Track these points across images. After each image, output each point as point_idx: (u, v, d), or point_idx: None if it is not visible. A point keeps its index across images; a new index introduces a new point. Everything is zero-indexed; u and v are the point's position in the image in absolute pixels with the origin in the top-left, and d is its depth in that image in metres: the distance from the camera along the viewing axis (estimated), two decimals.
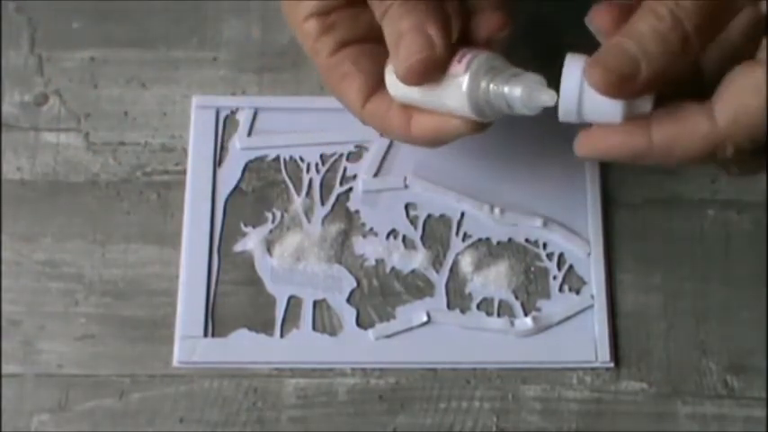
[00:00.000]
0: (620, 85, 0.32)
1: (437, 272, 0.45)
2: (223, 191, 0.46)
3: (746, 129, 0.32)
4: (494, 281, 0.45)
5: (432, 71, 0.35)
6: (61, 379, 0.43)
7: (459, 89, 0.35)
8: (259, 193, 0.46)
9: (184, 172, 0.46)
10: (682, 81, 0.34)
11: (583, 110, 0.33)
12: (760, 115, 0.31)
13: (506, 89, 0.35)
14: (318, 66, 0.39)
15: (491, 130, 0.47)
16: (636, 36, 0.32)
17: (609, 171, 0.46)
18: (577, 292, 0.45)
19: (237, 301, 0.44)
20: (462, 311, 0.44)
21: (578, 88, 0.33)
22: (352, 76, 0.38)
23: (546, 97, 0.34)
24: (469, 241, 0.45)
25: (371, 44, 0.38)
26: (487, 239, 0.45)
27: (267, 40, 0.48)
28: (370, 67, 0.38)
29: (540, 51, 0.48)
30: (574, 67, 0.33)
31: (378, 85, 0.38)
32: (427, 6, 0.35)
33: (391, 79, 0.37)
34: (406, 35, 0.35)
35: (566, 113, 0.34)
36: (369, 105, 0.38)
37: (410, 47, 0.35)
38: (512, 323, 0.44)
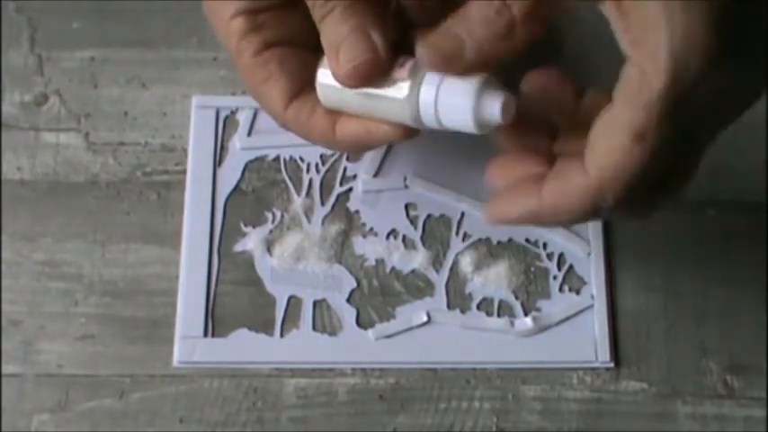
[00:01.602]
0: (445, 63, 0.33)
1: (437, 272, 0.45)
2: (223, 191, 0.46)
3: (615, 173, 0.31)
4: (494, 281, 0.45)
5: (373, 75, 0.35)
6: (61, 379, 0.43)
7: (399, 94, 0.35)
8: (259, 193, 0.46)
9: (184, 172, 0.46)
10: None
11: (439, 115, 0.34)
12: (624, 155, 0.31)
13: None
14: (241, 65, 0.38)
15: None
16: (464, 18, 0.33)
17: None
18: (577, 292, 0.45)
19: (237, 301, 0.44)
20: (462, 311, 0.44)
21: (435, 95, 0.34)
22: (276, 77, 0.38)
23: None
24: (469, 241, 0.45)
25: (297, 48, 0.38)
26: (487, 239, 0.45)
27: None
28: (294, 71, 0.38)
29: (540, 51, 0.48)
30: (434, 75, 0.34)
31: (301, 89, 0.38)
32: (369, 12, 0.35)
33: (323, 83, 0.37)
34: (347, 38, 0.35)
35: (428, 119, 0.35)
36: (291, 109, 0.38)
37: (352, 50, 0.35)
38: (512, 323, 0.44)
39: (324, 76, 0.37)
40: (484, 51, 0.32)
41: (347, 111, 0.37)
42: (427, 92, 0.34)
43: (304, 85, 0.38)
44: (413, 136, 0.37)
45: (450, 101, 0.34)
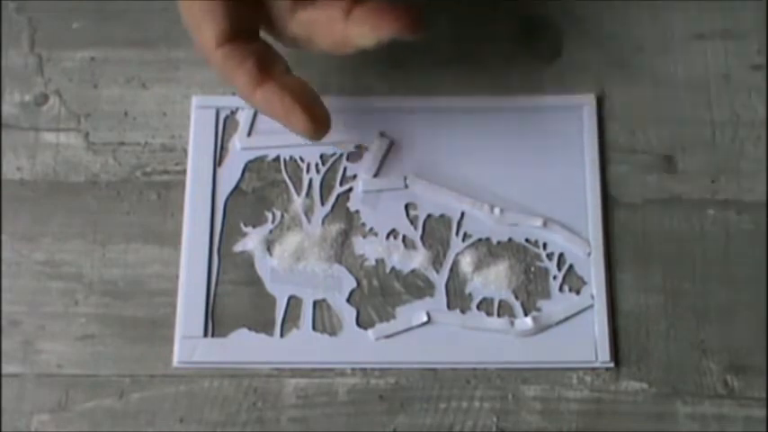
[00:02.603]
0: None
1: (437, 272, 0.45)
2: (223, 191, 0.46)
3: None
4: (494, 281, 0.45)
5: None
6: (61, 379, 0.43)
7: None
8: (259, 193, 0.46)
9: (184, 172, 0.46)
10: None
11: None
12: None
13: None
14: None
15: (491, 130, 0.47)
16: None
17: (609, 170, 0.46)
18: (577, 292, 0.45)
19: (237, 301, 0.44)
20: (462, 311, 0.44)
21: None
22: (216, 16, 0.40)
23: None
24: (469, 241, 0.45)
25: None
26: (487, 239, 0.45)
27: (267, 40, 0.48)
28: (235, 15, 0.40)
29: (539, 52, 0.49)
30: None
31: (237, 35, 0.40)
32: None
33: None
34: None
35: None
36: (221, 50, 0.40)
37: None
38: (512, 323, 0.44)
39: None
40: None
41: None
42: None
43: (241, 32, 0.40)
44: (321, 133, 0.41)
45: None
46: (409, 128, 0.47)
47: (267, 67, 0.41)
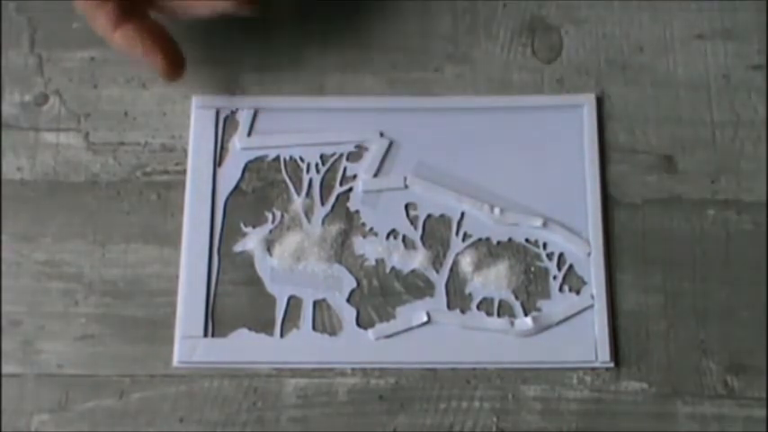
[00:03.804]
0: None
1: (437, 272, 0.45)
2: (223, 191, 0.46)
3: None
4: (494, 281, 0.45)
5: None
6: (61, 379, 0.43)
7: None
8: (259, 193, 0.46)
9: (184, 172, 0.46)
10: None
11: None
12: None
13: None
14: None
15: (490, 130, 0.47)
16: None
17: (609, 170, 0.46)
18: (577, 292, 0.45)
19: (237, 301, 0.44)
20: (462, 311, 0.44)
21: None
22: None
23: None
24: (469, 241, 0.45)
25: None
26: (487, 239, 0.45)
27: (267, 40, 0.48)
28: None
29: (539, 52, 0.49)
30: None
31: None
32: None
33: None
34: None
35: None
36: None
37: None
38: (512, 323, 0.44)
39: None
40: None
41: None
42: None
43: None
44: (177, 74, 0.44)
45: None
46: (409, 128, 0.47)
47: (127, 9, 0.44)
